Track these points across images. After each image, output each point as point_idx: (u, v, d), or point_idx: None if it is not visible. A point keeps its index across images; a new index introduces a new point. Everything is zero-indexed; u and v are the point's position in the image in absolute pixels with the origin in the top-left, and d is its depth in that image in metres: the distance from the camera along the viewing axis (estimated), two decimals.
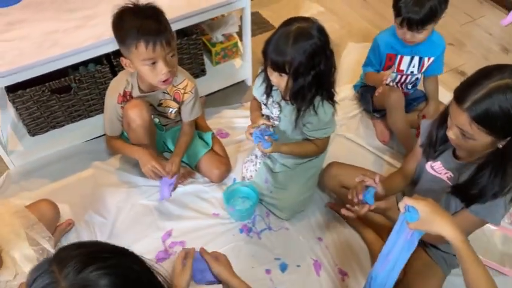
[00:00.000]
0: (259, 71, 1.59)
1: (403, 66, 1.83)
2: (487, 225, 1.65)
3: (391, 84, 1.89)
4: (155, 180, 1.71)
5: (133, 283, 0.70)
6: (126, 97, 1.62)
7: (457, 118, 1.10)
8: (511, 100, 1.01)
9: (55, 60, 1.58)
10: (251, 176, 1.77)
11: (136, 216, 1.74)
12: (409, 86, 1.92)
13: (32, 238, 1.52)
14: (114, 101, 1.62)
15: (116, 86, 1.62)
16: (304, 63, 1.36)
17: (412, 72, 1.85)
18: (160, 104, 1.70)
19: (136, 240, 1.66)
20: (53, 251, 1.54)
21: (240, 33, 2.14)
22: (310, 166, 1.71)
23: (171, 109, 1.72)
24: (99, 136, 1.96)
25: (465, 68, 2.38)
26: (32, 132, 1.88)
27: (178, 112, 1.76)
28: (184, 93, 1.68)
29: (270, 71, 1.44)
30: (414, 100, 1.97)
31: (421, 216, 1.00)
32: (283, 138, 1.62)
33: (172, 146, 1.85)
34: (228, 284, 1.19)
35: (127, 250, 0.75)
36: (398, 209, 1.06)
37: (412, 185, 1.47)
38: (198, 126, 1.95)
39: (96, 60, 1.86)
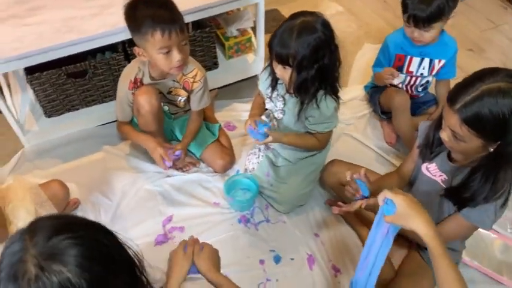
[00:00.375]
0: (266, 64, 1.62)
1: (413, 68, 1.82)
2: (487, 232, 1.66)
3: (399, 86, 1.89)
4: (164, 168, 1.73)
5: (102, 255, 0.73)
6: (137, 84, 1.68)
7: (449, 119, 1.10)
8: (501, 104, 1.01)
9: (71, 45, 1.65)
10: (253, 168, 1.80)
11: (140, 200, 1.80)
12: (420, 89, 1.91)
13: (40, 215, 1.59)
14: (125, 88, 1.68)
15: (128, 73, 1.68)
16: (307, 56, 1.38)
17: (422, 74, 1.84)
18: (170, 92, 1.75)
19: (138, 222, 1.72)
20: None
21: (254, 29, 2.17)
22: (312, 162, 1.73)
23: (180, 97, 1.77)
24: (112, 122, 2.03)
25: None
26: (48, 114, 1.97)
27: (188, 101, 1.80)
28: (194, 82, 1.73)
29: (274, 64, 1.47)
30: (424, 103, 1.96)
31: (397, 210, 1.01)
32: (286, 132, 1.65)
33: (180, 135, 1.90)
34: (205, 277, 1.22)
35: (99, 224, 0.78)
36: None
37: (409, 186, 1.47)
38: (206, 118, 2.00)
39: (113, 48, 1.93)
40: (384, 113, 1.98)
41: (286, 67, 1.43)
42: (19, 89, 2.10)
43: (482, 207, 1.17)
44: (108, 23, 1.70)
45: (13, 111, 1.98)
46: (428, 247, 0.98)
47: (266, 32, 2.09)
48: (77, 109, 2.01)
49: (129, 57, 1.93)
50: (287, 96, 1.59)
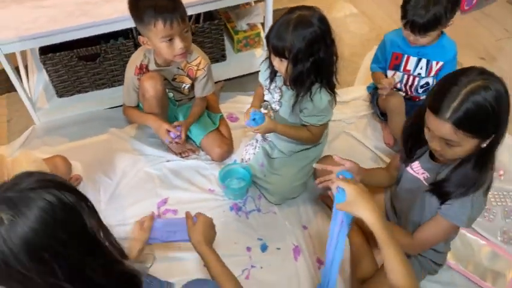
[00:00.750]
0: (265, 57, 1.67)
1: (410, 67, 1.85)
2: (476, 238, 1.66)
3: (398, 85, 1.90)
4: (170, 140, 1.78)
5: (66, 210, 0.80)
6: (142, 69, 1.75)
7: (440, 129, 1.10)
8: (486, 97, 1.03)
9: (82, 29, 1.74)
10: (249, 158, 1.84)
11: (138, 181, 1.87)
12: (420, 90, 1.91)
13: None
14: (131, 73, 1.75)
15: (134, 59, 1.75)
16: (303, 49, 1.42)
17: (419, 74, 1.85)
18: (174, 79, 1.81)
19: (134, 202, 1.79)
20: None
21: (264, 25, 2.22)
22: (306, 155, 1.77)
23: (184, 84, 1.83)
24: (119, 106, 2.11)
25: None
26: (59, 94, 2.06)
27: (192, 88, 1.86)
28: (197, 70, 1.79)
29: (272, 56, 1.51)
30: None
31: (347, 198, 1.06)
32: (282, 123, 1.69)
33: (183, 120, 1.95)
34: (195, 249, 1.27)
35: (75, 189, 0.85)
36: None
37: (397, 184, 1.49)
38: (210, 107, 2.06)
39: (126, 35, 2.01)
40: (382, 114, 2.00)
41: (283, 60, 1.47)
42: (35, 69, 2.20)
43: (459, 205, 1.19)
44: (120, 9, 1.77)
45: (27, 89, 2.08)
46: (374, 234, 1.03)
47: None
48: (87, 91, 2.10)
49: (139, 44, 2.00)
50: (284, 88, 1.63)
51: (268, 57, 1.57)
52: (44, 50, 1.89)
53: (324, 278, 1.30)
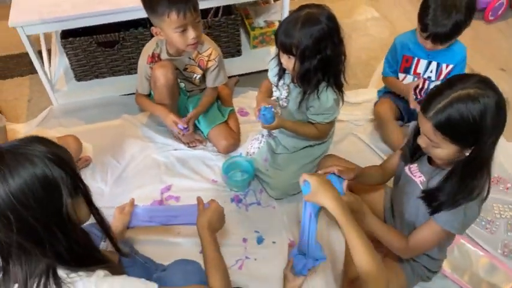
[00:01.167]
0: (275, 54, 1.69)
1: (420, 70, 1.84)
2: (475, 249, 1.63)
3: None
4: (178, 131, 1.85)
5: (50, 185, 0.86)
6: (154, 58, 1.80)
7: (423, 127, 1.13)
8: (471, 109, 1.03)
9: (101, 15, 1.81)
10: (254, 152, 1.87)
11: (145, 166, 1.92)
12: None
13: None
14: (144, 61, 1.81)
15: (147, 48, 1.81)
16: (310, 47, 1.43)
17: (429, 77, 1.84)
18: (185, 69, 1.86)
19: (139, 187, 1.84)
20: None
21: None
22: (310, 153, 1.78)
23: (195, 75, 1.87)
24: (134, 93, 2.17)
25: (510, 96, 2.27)
26: (78, 77, 2.14)
27: (203, 79, 1.90)
28: (208, 60, 1.82)
29: (280, 53, 1.53)
30: None
31: (311, 189, 1.13)
32: (289, 119, 1.70)
33: None
34: (198, 232, 1.31)
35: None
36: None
37: (395, 185, 1.49)
38: (222, 100, 2.10)
39: (144, 24, 2.07)
40: None
41: (290, 57, 1.49)
42: (58, 53, 2.29)
43: (452, 211, 1.18)
44: None
45: (48, 71, 2.17)
46: (337, 221, 1.10)
47: None
48: (104, 77, 2.17)
49: None
50: (292, 85, 1.65)
51: (277, 55, 1.59)
52: (66, 34, 1.97)
53: (297, 262, 1.32)
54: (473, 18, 1.68)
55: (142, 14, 1.83)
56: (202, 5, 1.92)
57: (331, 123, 1.70)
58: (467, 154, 1.12)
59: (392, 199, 1.55)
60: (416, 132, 1.28)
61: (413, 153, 1.33)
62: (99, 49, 2.04)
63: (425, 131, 1.13)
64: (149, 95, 1.95)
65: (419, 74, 1.85)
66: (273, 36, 2.32)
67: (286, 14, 2.09)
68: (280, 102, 1.72)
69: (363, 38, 2.62)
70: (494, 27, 2.69)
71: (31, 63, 1.98)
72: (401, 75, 1.90)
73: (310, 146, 1.78)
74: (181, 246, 1.65)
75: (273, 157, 1.82)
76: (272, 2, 2.36)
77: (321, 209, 1.17)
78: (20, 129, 2.06)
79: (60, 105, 2.14)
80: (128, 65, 2.14)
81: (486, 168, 1.14)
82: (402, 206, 1.42)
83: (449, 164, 1.19)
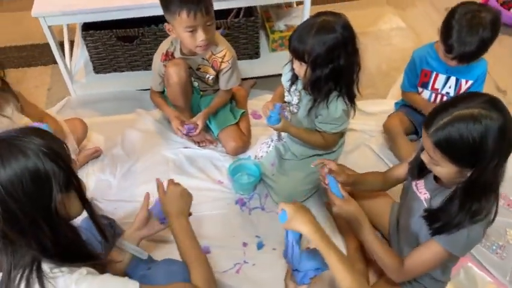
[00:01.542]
0: (290, 58, 1.67)
1: (438, 85, 1.78)
2: (483, 274, 1.57)
3: None
4: (181, 135, 1.88)
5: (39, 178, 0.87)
6: (168, 56, 1.81)
7: (425, 142, 1.11)
8: (472, 130, 1.00)
9: (120, 10, 1.84)
10: (262, 156, 1.85)
11: (154, 162, 1.93)
12: None
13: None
14: (158, 59, 1.83)
15: (162, 46, 1.83)
16: (322, 55, 1.41)
17: (447, 93, 1.79)
18: (198, 69, 1.86)
19: (145, 182, 1.85)
20: (76, 164, 1.81)
21: None
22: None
23: (208, 75, 1.88)
24: (150, 89, 2.19)
25: None
26: (96, 70, 2.18)
27: (217, 79, 1.90)
28: (222, 62, 1.82)
29: (293, 59, 1.51)
30: None
31: (288, 217, 1.14)
32: (298, 126, 1.68)
33: None
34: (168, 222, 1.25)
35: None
36: None
37: (402, 199, 1.45)
38: (236, 102, 2.09)
39: (164, 21, 2.08)
40: None
41: (302, 63, 1.47)
42: (80, 44, 2.34)
43: (455, 233, 1.14)
44: None
45: (68, 62, 2.22)
46: (313, 243, 1.10)
47: None
48: (122, 71, 2.20)
49: None
50: (303, 92, 1.63)
51: (291, 60, 1.57)
52: (87, 27, 2.01)
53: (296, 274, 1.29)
54: (499, 33, 1.62)
55: (158, 11, 1.86)
56: (223, 6, 1.95)
57: (339, 134, 1.67)
58: (468, 174, 1.08)
59: (398, 213, 1.50)
60: (423, 148, 1.24)
61: (421, 169, 1.28)
62: (119, 43, 2.07)
63: (426, 147, 1.10)
64: (163, 92, 1.96)
65: (438, 89, 1.79)
66: None
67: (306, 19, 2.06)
68: (291, 107, 1.70)
69: (386, 47, 2.56)
70: None
71: None
72: (418, 90, 1.85)
73: (319, 154, 1.75)
74: None
75: (281, 162, 1.79)
76: (294, 5, 2.34)
77: (301, 236, 1.17)
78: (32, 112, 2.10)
79: (77, 96, 2.18)
80: (145, 60, 2.16)
81: (492, 192, 1.09)
82: (406, 222, 1.37)
83: (454, 183, 1.14)
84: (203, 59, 1.82)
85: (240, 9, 2.23)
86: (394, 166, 1.50)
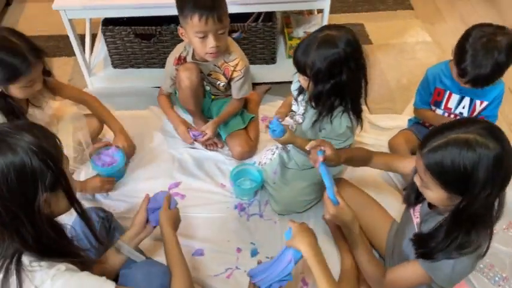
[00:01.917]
0: None
1: (451, 105, 1.72)
2: None
3: None
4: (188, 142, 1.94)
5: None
6: (180, 61, 1.83)
7: (417, 163, 1.07)
8: (464, 156, 0.95)
9: (139, 8, 1.87)
10: (265, 163, 1.84)
11: (159, 160, 1.95)
12: None
13: (77, 139, 1.84)
14: (171, 62, 1.85)
15: (176, 50, 1.85)
16: (322, 70, 1.39)
17: (461, 113, 1.72)
18: (210, 75, 1.87)
19: (149, 178, 1.88)
20: (87, 156, 1.85)
21: None
22: (317, 174, 1.72)
23: (219, 82, 1.88)
24: None
25: None
26: (114, 65, 2.22)
27: (228, 86, 1.90)
28: (234, 70, 1.82)
29: None
30: None
31: (292, 235, 1.19)
32: (302, 136, 1.66)
33: (215, 116, 1.99)
34: (160, 228, 1.31)
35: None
36: None
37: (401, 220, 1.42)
38: (247, 107, 2.09)
39: None
40: None
41: (305, 77, 1.45)
42: (101, 39, 2.39)
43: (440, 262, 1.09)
44: None
45: (87, 55, 2.27)
46: (309, 265, 1.14)
47: None
48: (139, 67, 2.24)
49: None
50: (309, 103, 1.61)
51: None
52: (107, 22, 2.05)
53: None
54: None
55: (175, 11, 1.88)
56: (243, 9, 1.95)
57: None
58: (457, 202, 1.03)
59: (395, 232, 1.47)
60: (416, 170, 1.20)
61: (418, 195, 1.24)
62: (137, 40, 2.10)
63: (418, 168, 1.07)
64: (170, 95, 1.98)
65: (450, 108, 1.73)
66: None
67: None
68: (297, 117, 1.68)
69: (409, 61, 2.50)
70: None
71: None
72: (431, 108, 1.79)
73: None
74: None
75: (283, 171, 1.78)
76: (316, 13, 2.31)
77: (301, 257, 1.20)
78: (56, 106, 2.16)
79: (94, 89, 2.23)
80: (162, 58, 2.18)
81: (482, 225, 1.04)
82: (400, 243, 1.35)
83: (446, 210, 1.10)
84: (215, 65, 1.82)
85: (260, 13, 2.22)
86: (399, 157, 1.46)
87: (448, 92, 1.70)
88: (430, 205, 1.20)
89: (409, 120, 2.01)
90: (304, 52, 1.40)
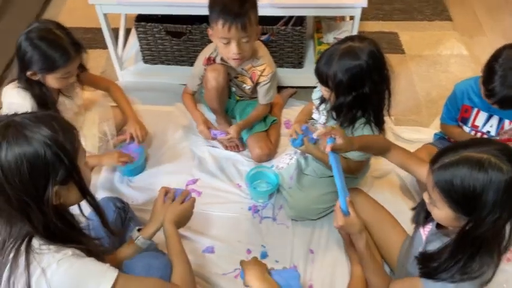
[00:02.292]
0: None
1: (478, 122, 1.66)
2: None
3: None
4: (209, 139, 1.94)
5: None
6: (210, 61, 1.85)
7: (427, 179, 1.05)
8: (474, 177, 0.92)
9: (169, 6, 1.92)
10: (282, 167, 1.84)
11: (180, 156, 2.00)
12: None
13: (102, 130, 1.90)
14: (200, 62, 1.88)
15: (206, 50, 1.87)
16: (344, 82, 1.38)
17: (488, 132, 1.66)
18: (236, 77, 1.89)
19: (168, 173, 1.92)
20: (112, 147, 1.91)
21: None
22: (334, 183, 1.70)
23: (245, 85, 1.90)
24: None
25: None
26: (145, 60, 2.28)
27: (254, 90, 1.92)
28: (261, 75, 1.83)
29: None
30: None
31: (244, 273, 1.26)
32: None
33: (239, 117, 2.01)
34: (163, 225, 1.33)
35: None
36: None
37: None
38: (270, 110, 2.09)
39: None
40: None
41: (327, 88, 1.44)
42: (134, 34, 2.45)
43: (441, 283, 1.06)
44: None
45: (120, 49, 2.34)
46: None
47: None
48: (169, 64, 2.28)
49: None
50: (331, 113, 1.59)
51: None
52: (140, 18, 2.11)
53: None
54: None
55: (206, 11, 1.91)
56: (274, 12, 1.95)
57: (364, 162, 1.61)
58: (463, 223, 1.01)
59: (406, 248, 1.44)
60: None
61: (427, 215, 1.21)
62: (167, 37, 2.14)
63: (428, 184, 1.04)
64: (194, 93, 2.02)
65: (478, 126, 1.67)
66: None
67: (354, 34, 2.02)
68: (317, 125, 1.67)
69: (441, 74, 2.43)
70: None
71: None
72: (459, 124, 1.74)
73: None
74: (186, 240, 1.68)
75: (299, 176, 1.77)
76: (348, 19, 2.29)
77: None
78: (87, 96, 2.24)
79: (124, 82, 2.29)
80: (191, 57, 2.22)
81: (488, 250, 1.00)
82: (408, 258, 1.32)
83: (453, 232, 1.06)
84: (242, 69, 1.84)
85: (291, 17, 2.22)
86: (419, 161, 1.34)
87: (475, 110, 1.64)
88: (438, 225, 1.17)
89: (435, 134, 1.95)
90: (326, 63, 1.39)
